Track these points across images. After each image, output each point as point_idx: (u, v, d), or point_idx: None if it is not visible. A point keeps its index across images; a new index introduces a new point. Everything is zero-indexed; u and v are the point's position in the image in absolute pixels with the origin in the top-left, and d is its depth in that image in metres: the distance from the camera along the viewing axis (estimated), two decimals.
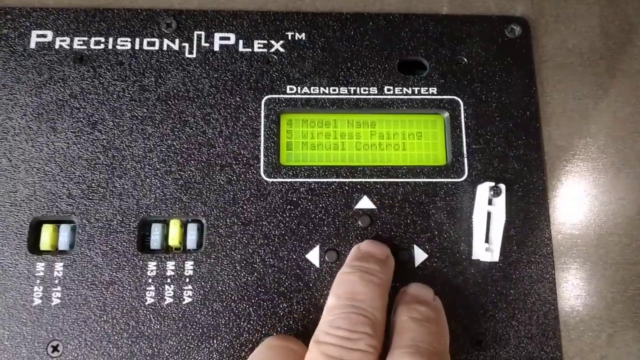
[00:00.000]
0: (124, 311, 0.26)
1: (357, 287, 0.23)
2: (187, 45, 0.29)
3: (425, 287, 0.25)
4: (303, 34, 0.30)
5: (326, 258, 0.27)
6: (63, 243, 0.26)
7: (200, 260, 0.26)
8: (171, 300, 0.26)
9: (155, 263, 0.26)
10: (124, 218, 0.27)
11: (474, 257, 0.27)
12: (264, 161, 0.28)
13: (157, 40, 0.29)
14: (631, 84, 0.31)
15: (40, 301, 0.26)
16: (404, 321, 0.23)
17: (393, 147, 0.29)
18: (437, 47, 0.30)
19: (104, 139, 0.27)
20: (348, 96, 0.29)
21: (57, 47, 0.29)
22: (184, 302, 0.26)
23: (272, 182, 0.27)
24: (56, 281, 0.26)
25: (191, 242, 0.27)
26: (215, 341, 0.26)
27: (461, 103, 0.29)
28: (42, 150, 0.27)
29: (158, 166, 0.27)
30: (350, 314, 0.22)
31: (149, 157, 0.27)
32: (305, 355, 0.21)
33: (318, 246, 0.27)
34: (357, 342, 0.21)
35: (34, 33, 0.29)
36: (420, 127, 0.29)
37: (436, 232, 0.27)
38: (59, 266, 0.26)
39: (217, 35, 0.29)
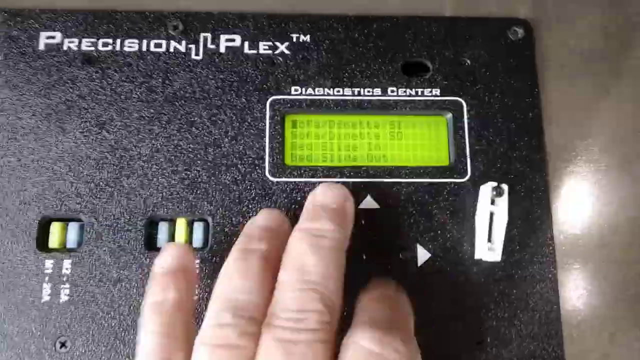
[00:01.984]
0: (132, 308, 0.26)
1: (305, 257, 0.21)
2: (193, 47, 0.29)
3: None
4: (308, 36, 0.30)
5: None
6: (71, 241, 0.27)
7: (206, 258, 0.27)
8: None
9: None
10: (131, 217, 0.27)
11: (476, 256, 0.27)
12: (269, 161, 0.28)
13: (164, 42, 0.29)
14: (633, 85, 0.31)
15: (48, 298, 0.26)
16: None
17: (396, 147, 0.29)
18: (440, 49, 0.30)
19: (111, 139, 0.28)
20: (352, 97, 0.29)
21: (65, 48, 0.29)
22: None
23: (277, 181, 0.28)
24: (64, 278, 0.26)
25: (197, 240, 0.27)
26: None
27: (464, 104, 0.29)
28: (51, 149, 0.28)
29: (165, 166, 0.28)
30: (298, 292, 0.20)
31: (156, 156, 0.28)
32: (259, 340, 0.20)
33: None
34: (307, 321, 0.20)
35: (43, 34, 0.29)
36: (423, 128, 0.29)
37: (439, 232, 0.28)
38: (67, 264, 0.26)
39: (223, 37, 0.30)
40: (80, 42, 0.29)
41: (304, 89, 0.29)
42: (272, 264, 0.22)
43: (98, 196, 0.27)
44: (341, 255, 0.23)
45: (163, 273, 0.23)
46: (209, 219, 0.27)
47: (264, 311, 0.21)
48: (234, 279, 0.22)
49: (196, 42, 0.30)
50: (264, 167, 0.28)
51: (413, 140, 0.29)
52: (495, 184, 0.27)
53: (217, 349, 0.20)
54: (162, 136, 0.28)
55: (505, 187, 0.27)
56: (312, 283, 0.21)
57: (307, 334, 0.20)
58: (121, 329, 0.26)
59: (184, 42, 0.29)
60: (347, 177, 0.28)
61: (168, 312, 0.22)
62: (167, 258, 0.23)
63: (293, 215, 0.27)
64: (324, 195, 0.24)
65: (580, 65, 0.31)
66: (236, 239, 0.27)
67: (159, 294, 0.22)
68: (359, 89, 0.29)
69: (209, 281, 0.27)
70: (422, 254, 0.27)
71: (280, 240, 0.23)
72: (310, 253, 0.22)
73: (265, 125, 0.29)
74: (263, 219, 0.25)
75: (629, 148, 0.30)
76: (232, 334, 0.20)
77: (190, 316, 0.23)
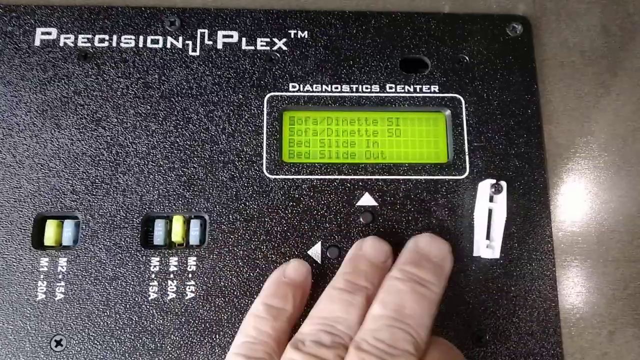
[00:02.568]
0: (127, 306, 0.26)
1: (406, 300, 0.22)
2: (190, 43, 0.29)
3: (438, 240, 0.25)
4: (306, 32, 0.30)
5: (328, 254, 0.27)
6: (67, 238, 0.27)
7: (203, 256, 0.27)
8: (174, 295, 0.26)
9: (158, 259, 0.26)
10: (128, 214, 0.27)
11: (475, 254, 0.27)
12: (267, 158, 0.28)
13: (160, 38, 0.29)
14: (632, 82, 0.31)
15: (44, 296, 0.26)
16: None
17: (395, 144, 0.29)
18: (439, 45, 0.30)
19: (107, 135, 0.28)
20: (350, 94, 0.29)
21: (61, 44, 0.29)
22: (186, 298, 0.26)
23: (275, 178, 0.28)
24: (60, 276, 0.26)
25: (194, 238, 0.27)
26: (217, 336, 0.26)
27: (463, 101, 0.29)
28: (47, 146, 0.27)
29: (161, 163, 0.27)
30: (394, 329, 0.21)
31: (153, 153, 0.28)
32: (345, 357, 0.21)
33: (320, 242, 0.27)
34: (397, 357, 0.20)
35: (39, 30, 0.29)
36: (421, 125, 0.29)
37: (437, 229, 0.28)
38: (62, 261, 0.26)
39: (220, 33, 0.29)
40: (76, 38, 0.29)
41: (301, 86, 0.29)
42: (371, 301, 0.23)
43: (94, 193, 0.27)
44: (436, 309, 0.23)
45: (287, 283, 0.25)
46: (206, 216, 0.27)
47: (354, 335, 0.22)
48: (336, 309, 0.23)
49: (193, 38, 0.29)
50: (262, 164, 0.28)
51: (411, 137, 0.29)
52: (493, 181, 0.27)
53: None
54: (159, 133, 0.28)
55: (503, 184, 0.27)
56: (408, 325, 0.21)
57: None
58: (117, 327, 0.26)
59: (180, 38, 0.29)
60: (345, 174, 0.28)
61: (281, 319, 0.24)
62: (295, 272, 0.25)
63: (291, 212, 0.27)
64: (429, 246, 0.25)
65: (579, 62, 0.31)
66: (233, 237, 0.27)
67: (279, 300, 0.24)
68: (357, 86, 0.29)
69: (205, 278, 0.26)
70: None
71: (383, 276, 0.24)
72: (411, 297, 0.22)
73: (262, 121, 0.28)
74: (372, 251, 0.25)
75: (627, 146, 0.30)
76: (327, 354, 0.21)
77: (290, 330, 0.24)
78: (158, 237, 0.27)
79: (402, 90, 0.29)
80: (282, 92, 0.29)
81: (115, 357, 0.25)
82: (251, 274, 0.27)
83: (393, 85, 0.29)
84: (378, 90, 0.29)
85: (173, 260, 0.26)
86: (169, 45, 0.29)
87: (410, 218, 0.28)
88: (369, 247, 0.25)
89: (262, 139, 0.28)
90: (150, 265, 0.26)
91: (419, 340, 0.21)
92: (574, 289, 0.28)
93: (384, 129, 0.29)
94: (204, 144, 0.28)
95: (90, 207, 0.27)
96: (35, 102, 0.28)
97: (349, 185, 0.28)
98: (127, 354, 0.25)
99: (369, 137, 0.29)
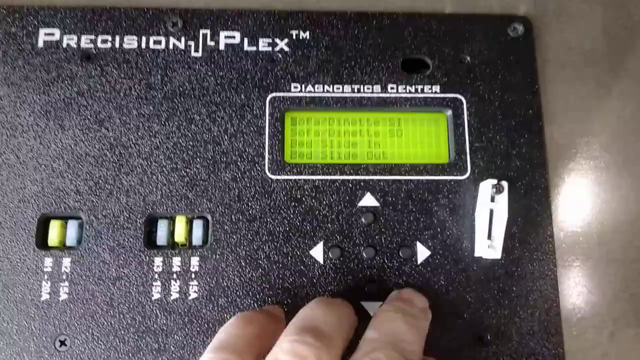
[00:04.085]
0: (131, 306, 0.26)
1: (399, 327, 0.23)
2: (192, 43, 0.29)
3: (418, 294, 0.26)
4: (307, 33, 0.30)
5: (330, 255, 0.27)
6: (71, 239, 0.27)
7: (206, 256, 0.27)
8: (177, 295, 0.26)
9: (161, 259, 0.27)
10: (131, 214, 0.27)
11: (476, 254, 0.27)
12: (269, 159, 0.28)
13: (163, 39, 0.29)
14: (633, 83, 0.31)
15: (48, 296, 0.26)
16: None
17: (396, 145, 0.29)
18: (440, 45, 0.30)
19: (111, 136, 0.28)
20: (352, 94, 0.29)
21: (64, 45, 0.29)
22: (189, 298, 0.26)
23: (277, 179, 0.28)
24: (64, 277, 0.26)
25: (197, 238, 0.27)
26: None
27: (464, 101, 0.29)
28: (50, 147, 0.28)
29: (164, 163, 0.28)
30: (389, 350, 0.21)
31: (155, 154, 0.28)
32: None
33: (322, 243, 0.27)
34: None
35: (42, 31, 0.29)
36: (423, 125, 0.29)
37: (439, 230, 0.28)
38: (66, 262, 0.26)
39: (222, 34, 0.30)
40: (79, 39, 0.29)
41: (303, 86, 0.29)
42: (350, 323, 0.23)
43: (97, 194, 0.27)
44: (423, 340, 0.23)
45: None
46: (209, 217, 0.27)
47: (340, 351, 0.21)
48: (317, 312, 0.23)
49: (195, 39, 0.29)
50: (264, 165, 0.28)
51: (413, 137, 0.29)
52: (495, 181, 0.27)
53: None
54: (162, 133, 0.28)
55: (505, 184, 0.27)
56: (402, 349, 0.22)
57: None
58: (121, 327, 0.26)
59: (183, 39, 0.29)
60: (347, 174, 0.28)
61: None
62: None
63: (293, 213, 0.27)
64: (412, 295, 0.26)
65: (580, 63, 0.31)
66: (236, 237, 0.27)
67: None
68: (358, 86, 0.29)
69: (208, 278, 0.26)
70: (422, 252, 0.27)
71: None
72: (403, 324, 0.23)
73: (264, 122, 0.28)
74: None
75: (629, 146, 0.30)
76: (310, 353, 0.20)
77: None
78: (161, 237, 0.27)
79: (404, 91, 0.29)
80: (284, 92, 0.29)
81: (119, 357, 0.26)
82: (254, 274, 0.27)
83: (394, 86, 0.29)
84: (379, 90, 0.29)
85: (176, 261, 0.27)
86: (171, 46, 0.29)
87: (411, 218, 0.28)
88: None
89: (264, 140, 0.28)
90: (153, 266, 0.26)
91: None
92: (575, 289, 0.28)
93: (386, 129, 0.29)
94: (206, 144, 0.28)
95: (93, 207, 0.27)
96: (38, 103, 0.28)
97: (350, 185, 0.28)
98: (130, 354, 0.26)
99: (370, 138, 0.29)
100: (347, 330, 0.23)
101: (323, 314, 0.22)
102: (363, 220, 0.27)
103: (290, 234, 0.27)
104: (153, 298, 0.26)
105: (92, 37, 0.29)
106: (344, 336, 0.22)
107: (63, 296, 0.26)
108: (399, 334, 0.22)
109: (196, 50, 0.29)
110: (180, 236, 0.27)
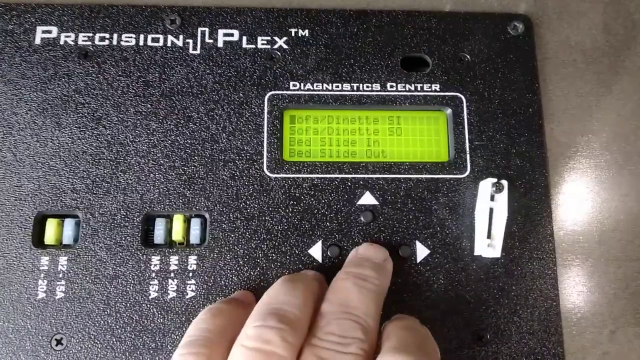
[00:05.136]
0: (128, 305, 0.26)
1: (350, 294, 0.23)
2: (191, 41, 0.29)
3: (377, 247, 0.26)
4: (306, 31, 0.30)
5: (328, 253, 0.27)
6: (67, 237, 0.27)
7: (204, 254, 0.27)
8: (174, 294, 0.26)
9: (158, 257, 0.26)
10: (128, 213, 0.27)
11: (476, 253, 0.27)
12: (267, 157, 0.28)
13: (161, 37, 0.29)
14: (634, 81, 0.31)
15: (44, 295, 0.26)
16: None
17: (395, 143, 0.29)
18: (440, 44, 0.30)
19: (108, 134, 0.28)
20: (351, 92, 0.29)
21: (62, 42, 0.29)
22: (187, 297, 0.26)
23: (275, 177, 0.28)
24: (60, 275, 0.26)
25: (194, 236, 0.27)
26: None
27: (464, 100, 0.29)
28: (47, 145, 0.27)
29: (162, 161, 0.27)
30: (342, 320, 0.22)
31: (153, 152, 0.28)
32: (299, 357, 0.21)
33: (320, 241, 0.27)
34: (348, 346, 0.21)
35: (39, 29, 0.29)
36: (422, 124, 0.29)
37: (438, 228, 0.28)
38: (63, 260, 0.26)
39: (220, 32, 0.29)
40: (76, 37, 0.29)
41: (302, 84, 0.29)
42: (316, 295, 0.24)
43: (94, 192, 0.27)
44: (380, 300, 0.24)
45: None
46: (207, 215, 0.27)
47: (306, 328, 0.22)
48: (281, 293, 0.23)
49: (194, 37, 0.29)
50: (262, 163, 0.28)
51: (412, 135, 0.29)
52: (494, 179, 0.27)
53: (256, 353, 0.20)
54: (159, 131, 0.28)
55: (505, 183, 0.27)
56: (355, 316, 0.22)
57: (347, 357, 0.21)
58: (117, 326, 0.26)
59: (181, 37, 0.29)
60: (346, 173, 0.28)
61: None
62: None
63: (292, 211, 0.27)
64: (367, 250, 0.26)
65: (581, 61, 0.31)
66: (234, 235, 0.27)
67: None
68: (358, 84, 0.29)
69: (205, 277, 0.26)
70: (422, 250, 0.27)
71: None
72: (355, 291, 0.23)
73: (263, 120, 0.28)
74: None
75: (629, 145, 0.30)
76: (274, 337, 0.21)
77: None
78: (158, 236, 0.27)
79: (403, 89, 0.29)
80: (282, 90, 0.29)
81: (116, 356, 0.25)
82: (251, 273, 0.26)
83: (394, 84, 0.29)
84: (379, 88, 0.29)
85: (173, 259, 0.26)
86: (169, 44, 0.29)
87: (411, 217, 0.28)
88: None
89: (263, 138, 0.28)
90: (150, 264, 0.26)
91: (367, 327, 0.22)
92: (575, 288, 0.28)
93: (385, 127, 0.29)
94: (204, 142, 0.28)
95: (90, 205, 0.27)
96: (35, 101, 0.28)
97: (349, 184, 0.28)
98: (127, 353, 0.25)
99: (369, 136, 0.29)
100: (313, 305, 0.23)
101: (286, 294, 0.23)
102: (362, 218, 0.27)
103: (289, 232, 0.27)
104: (150, 297, 0.26)
105: (90, 34, 0.29)
106: (309, 312, 0.23)
107: (59, 295, 0.26)
108: (352, 301, 0.23)
109: (194, 48, 0.29)
110: (177, 234, 0.27)
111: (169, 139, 0.28)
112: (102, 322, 0.26)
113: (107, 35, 0.29)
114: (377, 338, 0.23)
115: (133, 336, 0.26)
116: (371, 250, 0.26)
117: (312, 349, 0.21)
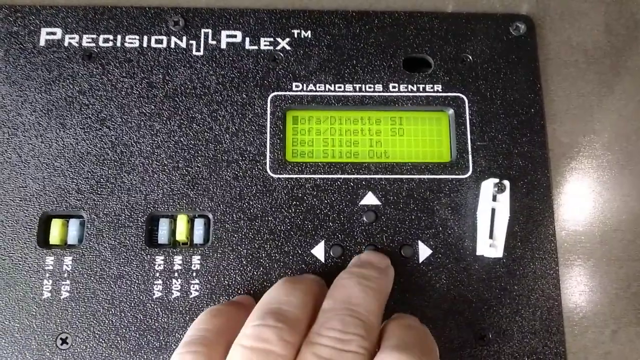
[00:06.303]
0: (132, 304, 0.26)
1: (353, 292, 0.23)
2: (194, 42, 0.29)
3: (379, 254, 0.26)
4: (309, 32, 0.30)
5: (331, 253, 0.27)
6: (72, 237, 0.27)
7: (207, 254, 0.27)
8: (178, 294, 0.26)
9: (162, 257, 0.27)
10: (132, 213, 0.27)
11: (478, 253, 0.27)
12: (270, 157, 0.28)
13: (164, 38, 0.29)
14: (635, 82, 0.31)
15: (49, 294, 0.26)
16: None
17: (398, 143, 0.29)
18: (442, 44, 0.30)
19: (112, 135, 0.28)
20: (353, 93, 0.29)
21: (66, 44, 0.29)
22: (191, 296, 0.26)
23: (278, 178, 0.28)
24: (65, 275, 0.26)
25: (198, 236, 0.27)
26: None
27: (466, 100, 0.29)
28: (52, 146, 0.28)
29: (166, 162, 0.28)
30: (343, 316, 0.22)
31: (157, 153, 0.28)
32: (297, 357, 0.21)
33: (323, 241, 0.27)
34: (349, 343, 0.21)
35: (44, 31, 0.29)
36: (425, 124, 0.29)
37: (440, 228, 0.28)
38: (68, 260, 0.26)
39: (224, 33, 0.30)
40: (80, 38, 0.29)
41: (305, 85, 0.29)
42: (316, 297, 0.24)
43: (99, 192, 0.27)
44: (383, 299, 0.24)
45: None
46: (210, 215, 0.27)
47: (305, 329, 0.22)
48: (280, 294, 0.23)
49: (197, 38, 0.29)
50: (265, 163, 0.28)
51: (414, 136, 0.29)
52: (496, 180, 0.27)
53: (254, 353, 0.20)
54: (163, 132, 0.28)
55: (507, 183, 0.27)
56: (357, 312, 0.22)
57: (347, 355, 0.20)
58: (122, 326, 0.26)
59: (184, 38, 0.29)
60: (349, 173, 0.28)
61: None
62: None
63: (294, 211, 0.27)
64: (370, 256, 0.26)
65: (583, 61, 0.31)
66: (237, 235, 0.27)
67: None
68: (360, 85, 0.29)
69: (209, 277, 0.26)
70: (424, 250, 0.27)
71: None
72: (357, 289, 0.23)
73: (266, 121, 0.28)
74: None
75: (631, 145, 0.30)
76: (272, 335, 0.21)
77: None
78: (162, 236, 0.27)
79: (405, 90, 0.29)
80: (285, 91, 0.29)
81: (120, 355, 0.26)
82: (255, 273, 0.27)
83: (396, 85, 0.29)
84: (381, 89, 0.29)
85: (177, 259, 0.27)
86: (173, 45, 0.29)
87: (413, 217, 0.28)
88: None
89: (266, 139, 0.28)
90: (154, 264, 0.26)
91: (369, 325, 0.22)
92: (577, 288, 0.28)
93: (387, 128, 0.29)
94: (207, 143, 0.28)
95: (95, 206, 0.27)
96: (40, 102, 0.28)
97: (352, 184, 0.28)
98: (132, 352, 0.26)
99: (372, 137, 0.29)
100: (312, 307, 0.23)
101: (285, 295, 0.23)
102: (364, 219, 0.27)
103: (292, 232, 0.27)
104: (154, 296, 0.26)
105: (94, 36, 0.29)
106: (309, 313, 0.22)
107: (64, 294, 0.26)
108: (354, 299, 0.23)
109: (197, 49, 0.29)
110: (181, 235, 0.27)
111: (172, 140, 0.28)
112: (106, 321, 0.26)
113: (111, 37, 0.29)
114: (378, 335, 0.23)
115: (137, 335, 0.26)
116: (374, 257, 0.26)
117: (311, 346, 0.21)
